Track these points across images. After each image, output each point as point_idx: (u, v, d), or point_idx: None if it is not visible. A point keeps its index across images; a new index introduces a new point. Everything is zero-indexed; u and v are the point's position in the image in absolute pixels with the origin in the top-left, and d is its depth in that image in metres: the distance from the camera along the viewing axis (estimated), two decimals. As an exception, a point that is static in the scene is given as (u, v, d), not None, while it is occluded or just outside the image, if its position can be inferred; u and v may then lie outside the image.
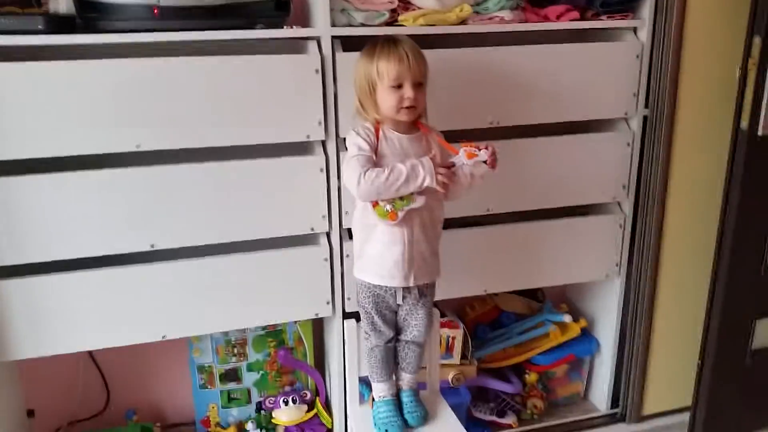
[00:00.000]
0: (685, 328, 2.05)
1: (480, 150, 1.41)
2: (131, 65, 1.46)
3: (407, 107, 1.41)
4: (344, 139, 1.53)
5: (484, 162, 1.42)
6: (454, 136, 1.63)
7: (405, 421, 1.61)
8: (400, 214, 1.42)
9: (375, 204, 1.42)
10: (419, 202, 1.42)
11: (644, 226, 1.94)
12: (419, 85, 1.43)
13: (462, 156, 1.42)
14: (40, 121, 1.43)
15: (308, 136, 1.61)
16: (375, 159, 1.44)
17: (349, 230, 1.64)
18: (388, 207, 1.41)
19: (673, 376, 2.10)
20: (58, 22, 1.44)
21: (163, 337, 1.67)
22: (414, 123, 1.49)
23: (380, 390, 1.64)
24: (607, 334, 2.11)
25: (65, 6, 1.48)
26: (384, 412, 1.62)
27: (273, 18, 1.56)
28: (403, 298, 1.55)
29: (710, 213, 1.88)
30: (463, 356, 2.01)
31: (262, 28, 1.52)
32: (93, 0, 1.43)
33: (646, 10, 1.79)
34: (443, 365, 1.92)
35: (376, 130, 1.47)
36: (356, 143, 1.44)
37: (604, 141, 1.88)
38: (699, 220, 1.95)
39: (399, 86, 1.41)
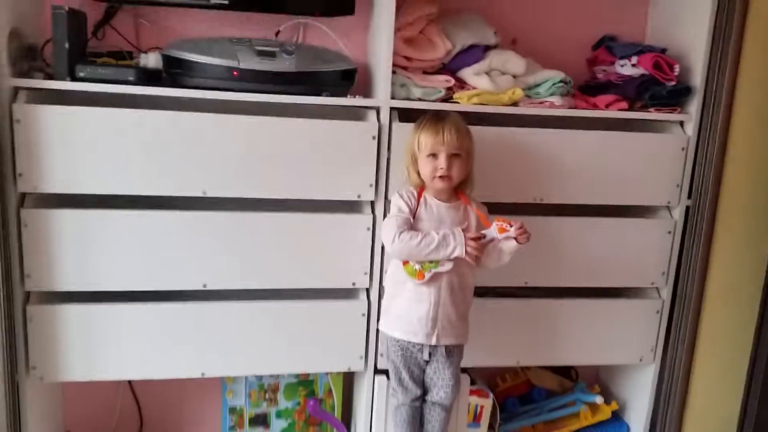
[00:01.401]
0: (719, 418, 2.00)
1: (511, 226, 1.49)
2: (208, 119, 1.60)
3: (440, 176, 1.52)
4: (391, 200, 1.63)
5: (514, 237, 1.50)
6: (501, 209, 1.71)
7: None
8: (427, 275, 1.52)
9: (405, 262, 1.54)
10: (446, 267, 1.52)
11: (681, 314, 1.94)
12: (455, 156, 1.52)
13: (494, 230, 1.52)
14: (118, 161, 1.57)
15: (359, 196, 1.71)
16: (412, 222, 1.54)
17: (387, 287, 1.71)
18: (417, 267, 1.53)
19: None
20: (147, 75, 1.60)
21: (202, 374, 1.74)
22: (455, 193, 1.59)
23: None
24: (639, 419, 2.09)
25: (154, 61, 1.63)
26: None
27: (338, 87, 1.69)
28: (430, 355, 1.60)
29: (748, 306, 1.86)
30: (491, 427, 2.01)
31: (327, 96, 1.65)
32: (179, 57, 1.58)
33: (694, 106, 1.85)
34: (469, 434, 1.93)
35: (419, 196, 1.58)
36: (398, 204, 1.57)
37: (646, 227, 1.91)
38: (736, 311, 1.93)
39: (435, 156, 1.52)
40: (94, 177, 1.57)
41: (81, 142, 1.54)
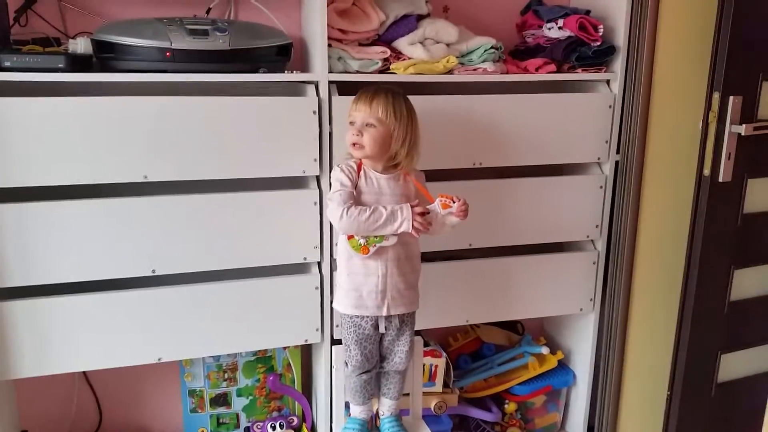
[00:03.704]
0: (655, 361, 2.14)
1: (454, 202, 1.55)
2: (142, 103, 1.57)
3: (352, 143, 1.54)
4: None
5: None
6: (442, 176, 1.75)
7: None
8: (372, 249, 1.54)
9: (350, 237, 1.55)
10: (391, 241, 1.55)
11: (616, 264, 2.06)
12: (368, 126, 1.52)
13: (437, 206, 1.56)
14: (54, 151, 1.53)
15: (304, 171, 1.73)
16: (354, 195, 1.55)
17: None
18: (362, 241, 1.54)
19: (645, 406, 2.19)
20: (77, 61, 1.55)
21: (159, 359, 1.74)
22: (394, 165, 1.60)
23: (354, 411, 1.73)
24: (583, 366, 2.21)
25: (83, 46, 1.59)
26: (350, 430, 1.70)
27: (275, 63, 1.69)
28: (385, 327, 1.64)
29: (678, 250, 1.99)
30: (446, 385, 2.09)
31: (264, 72, 1.64)
32: (110, 41, 1.55)
33: (618, 65, 1.94)
34: (426, 393, 1.99)
35: (359, 168, 1.58)
36: (339, 179, 1.56)
37: (579, 183, 2.01)
38: (667, 259, 2.06)
39: (352, 124, 1.55)
40: (30, 169, 1.53)
41: (14, 133, 1.49)
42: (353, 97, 1.58)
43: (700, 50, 1.87)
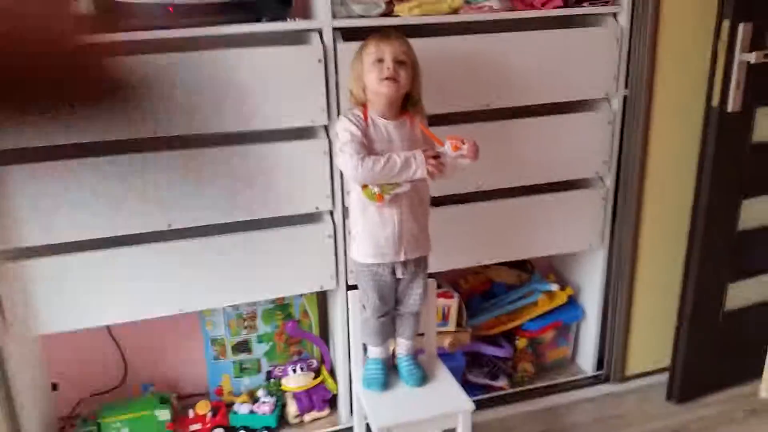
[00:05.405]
0: (663, 294, 2.19)
1: (464, 144, 1.54)
2: (147, 60, 1.56)
3: (387, 78, 1.51)
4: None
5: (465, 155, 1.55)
6: (451, 119, 1.75)
7: (389, 383, 1.74)
8: (387, 198, 1.54)
9: (364, 186, 1.54)
10: (405, 188, 1.54)
11: (625, 199, 2.08)
12: (401, 63, 1.52)
13: (448, 148, 1.54)
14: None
15: (312, 121, 1.73)
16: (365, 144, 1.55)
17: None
18: (376, 189, 1.53)
19: (653, 338, 2.25)
20: (78, 19, 1.53)
21: (180, 310, 1.79)
22: (401, 111, 1.60)
23: (373, 352, 1.78)
24: (592, 301, 2.26)
25: (84, 6, 1.56)
26: (372, 370, 1.75)
27: (277, 11, 1.66)
28: (402, 272, 1.67)
29: (686, 184, 2.01)
30: (458, 324, 2.15)
31: (267, 21, 1.63)
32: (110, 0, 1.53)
33: (625, -4, 1.90)
34: (440, 332, 2.05)
35: (365, 116, 1.57)
36: (348, 129, 1.54)
37: (587, 120, 2.00)
38: (676, 192, 2.08)
39: (380, 61, 1.52)
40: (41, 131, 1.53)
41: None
42: (360, 42, 1.57)
43: (708, -22, 1.84)
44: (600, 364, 2.31)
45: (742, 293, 2.12)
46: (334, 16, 1.67)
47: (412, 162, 1.52)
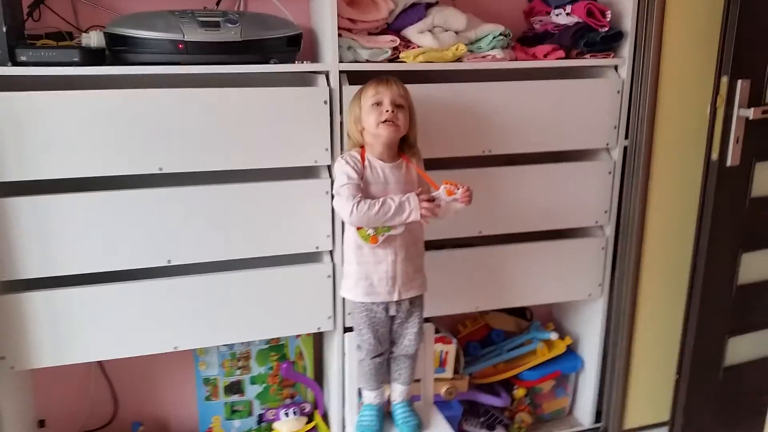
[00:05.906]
0: (663, 346, 2.17)
1: (458, 189, 1.57)
2: (156, 95, 1.59)
3: (386, 120, 1.54)
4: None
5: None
6: (452, 164, 1.77)
7: (384, 431, 1.72)
8: (380, 239, 1.58)
9: (359, 227, 1.58)
10: (399, 230, 1.58)
11: (625, 249, 2.08)
12: (399, 107, 1.56)
13: (442, 192, 1.58)
14: (69, 144, 1.55)
15: (316, 161, 1.74)
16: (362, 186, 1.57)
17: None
18: (371, 231, 1.58)
19: (653, 391, 2.22)
20: (91, 54, 1.57)
21: (175, 347, 1.76)
22: (399, 153, 1.63)
23: (368, 397, 1.75)
24: (592, 351, 2.23)
25: (97, 40, 1.60)
26: (367, 416, 1.72)
27: (285, 53, 1.70)
28: (396, 310, 1.66)
29: (685, 237, 2.01)
30: (456, 371, 2.12)
31: (276, 63, 1.66)
32: (123, 34, 1.56)
33: (626, 50, 1.94)
34: (436, 379, 2.01)
35: (362, 158, 1.60)
36: (345, 171, 1.57)
37: (588, 169, 2.02)
38: (675, 244, 2.08)
39: (379, 104, 1.55)
40: (47, 162, 1.54)
41: (29, 128, 1.51)
42: (362, 86, 1.60)
43: (707, 34, 1.88)
44: (598, 416, 2.27)
45: (742, 348, 2.09)
46: (340, 60, 1.70)
47: (406, 206, 1.55)
